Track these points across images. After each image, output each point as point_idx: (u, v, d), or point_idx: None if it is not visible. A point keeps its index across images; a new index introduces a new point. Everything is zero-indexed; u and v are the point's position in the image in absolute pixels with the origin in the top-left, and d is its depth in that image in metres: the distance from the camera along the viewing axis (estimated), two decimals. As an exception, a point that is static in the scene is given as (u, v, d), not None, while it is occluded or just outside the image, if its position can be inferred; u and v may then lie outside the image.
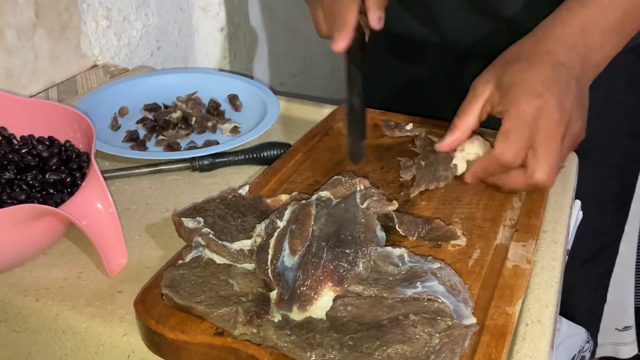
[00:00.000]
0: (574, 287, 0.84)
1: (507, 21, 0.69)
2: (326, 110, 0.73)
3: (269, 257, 0.42)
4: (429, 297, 0.40)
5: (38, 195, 0.50)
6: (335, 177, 0.48)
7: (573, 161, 0.63)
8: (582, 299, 0.86)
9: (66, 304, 0.46)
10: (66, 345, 0.45)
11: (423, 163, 0.56)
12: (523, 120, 0.51)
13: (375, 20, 0.60)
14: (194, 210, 0.47)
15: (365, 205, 0.44)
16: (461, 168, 0.55)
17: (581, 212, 0.64)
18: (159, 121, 0.70)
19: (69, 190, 0.51)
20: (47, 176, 0.52)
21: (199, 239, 0.44)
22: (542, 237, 0.52)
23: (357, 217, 0.43)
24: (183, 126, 0.70)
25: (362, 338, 0.38)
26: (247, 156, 0.64)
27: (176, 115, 0.70)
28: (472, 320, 0.39)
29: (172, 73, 0.80)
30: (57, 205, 0.48)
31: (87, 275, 0.48)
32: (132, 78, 0.77)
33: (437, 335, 0.38)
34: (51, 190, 0.51)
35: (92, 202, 0.47)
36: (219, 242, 0.43)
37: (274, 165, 0.59)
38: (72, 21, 0.79)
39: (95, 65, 0.83)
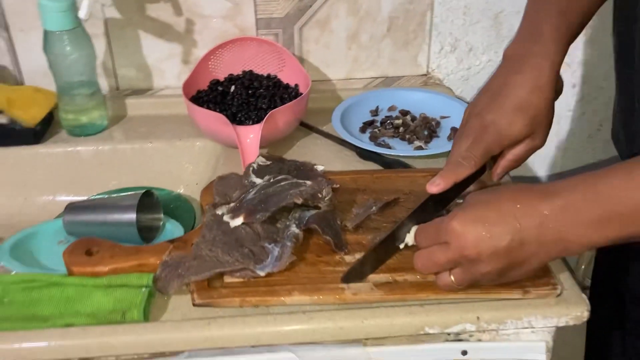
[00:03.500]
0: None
1: None
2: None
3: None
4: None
5: (255, 113, 0.94)
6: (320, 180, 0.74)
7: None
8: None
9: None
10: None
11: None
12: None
13: (497, 177, 0.71)
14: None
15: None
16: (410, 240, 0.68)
17: None
18: (385, 121, 1.00)
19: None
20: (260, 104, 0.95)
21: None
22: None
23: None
24: (392, 130, 0.98)
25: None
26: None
27: (398, 122, 0.99)
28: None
29: (441, 95, 1.05)
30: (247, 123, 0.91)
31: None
32: (417, 89, 1.08)
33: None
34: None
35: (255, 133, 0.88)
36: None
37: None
38: (416, 40, 1.12)
39: (425, 74, 1.15)
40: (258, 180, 0.77)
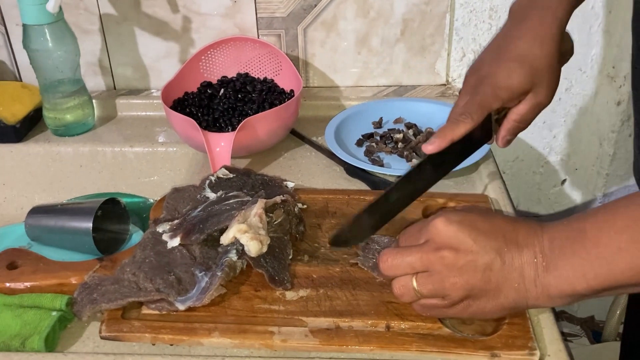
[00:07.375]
0: None
1: None
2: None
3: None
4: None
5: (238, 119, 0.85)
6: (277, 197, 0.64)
7: None
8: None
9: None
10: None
11: None
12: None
13: (503, 142, 0.65)
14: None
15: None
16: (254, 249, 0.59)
17: None
18: (385, 134, 0.88)
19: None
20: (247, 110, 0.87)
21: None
22: None
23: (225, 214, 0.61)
24: (392, 145, 0.86)
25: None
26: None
27: (398, 136, 0.87)
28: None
29: (441, 105, 0.93)
30: (227, 129, 0.83)
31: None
32: (431, 101, 0.95)
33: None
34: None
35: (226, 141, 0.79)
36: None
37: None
38: (434, 46, 1.00)
39: (444, 85, 1.03)
40: (212, 196, 0.69)
